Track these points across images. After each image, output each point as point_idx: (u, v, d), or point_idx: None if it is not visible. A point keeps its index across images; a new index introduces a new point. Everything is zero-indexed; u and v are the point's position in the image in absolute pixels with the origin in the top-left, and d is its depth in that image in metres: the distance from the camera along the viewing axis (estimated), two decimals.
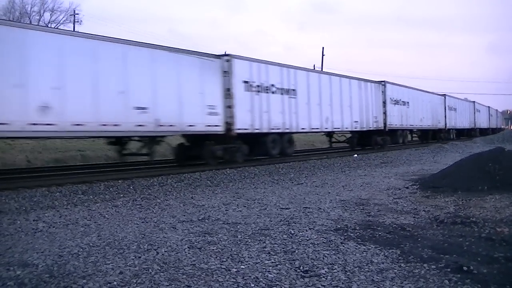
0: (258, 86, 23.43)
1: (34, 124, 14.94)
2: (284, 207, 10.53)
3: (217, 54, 22.00)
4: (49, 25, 53.80)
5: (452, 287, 5.45)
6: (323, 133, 32.12)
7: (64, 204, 11.51)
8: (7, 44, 14.53)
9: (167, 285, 5.51)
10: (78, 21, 57.63)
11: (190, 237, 7.80)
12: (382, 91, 35.14)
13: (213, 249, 7.01)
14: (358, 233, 7.98)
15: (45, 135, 18.05)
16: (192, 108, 20.04)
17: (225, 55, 22.18)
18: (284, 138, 25.60)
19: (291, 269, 6.06)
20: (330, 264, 6.26)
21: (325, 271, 5.95)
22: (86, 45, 16.70)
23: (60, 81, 15.62)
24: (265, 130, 23.81)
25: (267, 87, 23.99)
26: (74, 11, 58.50)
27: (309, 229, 8.30)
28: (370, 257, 6.59)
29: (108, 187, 14.36)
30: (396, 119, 36.93)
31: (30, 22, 52.64)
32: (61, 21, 58.92)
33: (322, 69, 59.15)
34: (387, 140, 36.03)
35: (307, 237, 7.72)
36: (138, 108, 17.88)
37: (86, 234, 8.11)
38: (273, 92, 24.39)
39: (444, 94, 49.15)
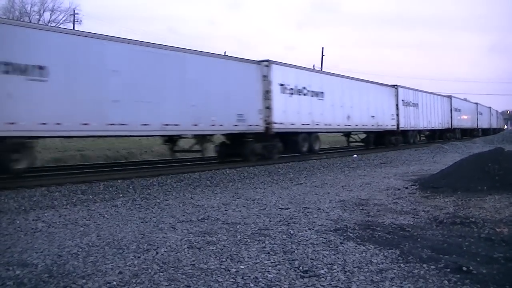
0: (407, 102, 40.19)
1: (346, 125, 31.29)
2: (283, 207, 10.53)
3: (392, 84, 39.12)
4: (49, 25, 53.73)
5: (451, 287, 5.45)
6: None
7: (64, 204, 11.51)
8: (335, 86, 30.00)
9: (167, 285, 5.51)
10: (78, 21, 57.67)
11: (190, 237, 7.80)
12: (450, 103, 51.35)
13: (212, 249, 7.01)
14: (357, 233, 7.98)
15: (345, 131, 34.44)
16: (387, 116, 36.85)
17: (395, 85, 39.00)
18: (415, 133, 43.58)
19: (290, 269, 6.06)
20: (330, 264, 6.26)
21: (325, 271, 5.95)
22: (357, 84, 33.43)
23: (352, 103, 31.55)
24: (412, 128, 41.42)
25: (410, 103, 40.75)
26: (74, 10, 58.54)
27: (309, 229, 8.30)
28: (369, 257, 6.59)
29: (108, 187, 14.36)
30: (457, 121, 53.41)
31: (30, 21, 52.57)
32: (61, 21, 58.93)
33: (321, 69, 59.13)
34: (451, 135, 51.54)
35: (307, 237, 7.72)
36: (372, 116, 34.27)
37: (85, 234, 8.11)
38: (412, 106, 41.02)
39: (477, 103, 66.07)
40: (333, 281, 5.63)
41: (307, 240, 7.51)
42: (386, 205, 10.76)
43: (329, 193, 12.72)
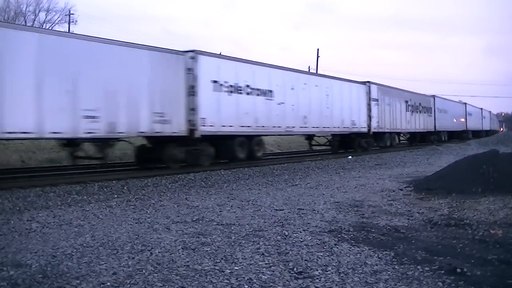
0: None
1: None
2: (278, 209, 10.53)
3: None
4: (44, 25, 53.68)
5: None
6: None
7: (58, 205, 11.48)
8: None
9: (161, 286, 5.51)
10: (73, 21, 57.50)
11: (184, 238, 7.79)
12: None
13: (207, 250, 7.01)
14: (352, 235, 7.99)
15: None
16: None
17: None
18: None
19: (284, 270, 6.06)
20: (324, 265, 6.26)
21: (319, 273, 5.95)
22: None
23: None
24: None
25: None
26: (69, 11, 58.36)
27: (303, 230, 8.30)
28: (364, 258, 6.59)
29: (102, 188, 14.33)
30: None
31: (25, 22, 52.47)
32: (56, 21, 58.75)
33: (317, 70, 59.18)
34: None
35: (301, 238, 7.72)
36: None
37: (79, 235, 8.09)
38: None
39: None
40: (327, 282, 5.63)
41: (301, 242, 7.51)
42: (380, 206, 10.78)
43: (323, 194, 12.73)
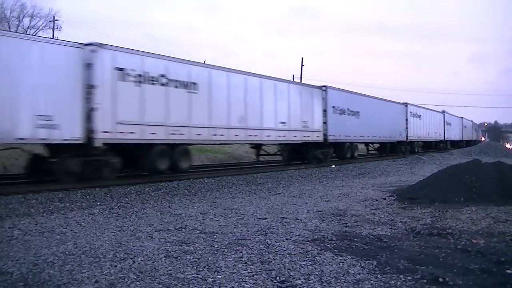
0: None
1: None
2: (261, 217, 10.53)
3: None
4: (28, 31, 53.34)
5: None
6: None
7: (40, 212, 11.39)
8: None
9: None
10: (57, 27, 57.22)
11: (167, 246, 7.76)
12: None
13: (189, 259, 6.99)
14: (335, 244, 8.00)
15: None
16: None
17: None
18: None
19: (267, 279, 6.05)
20: (307, 274, 6.26)
21: (302, 282, 5.95)
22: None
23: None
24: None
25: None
26: (54, 17, 58.07)
27: (286, 239, 8.31)
28: (346, 268, 6.61)
29: (85, 195, 14.25)
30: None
31: (9, 27, 52.11)
32: (41, 27, 58.43)
33: (301, 79, 59.34)
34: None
35: (284, 247, 7.72)
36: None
37: (62, 242, 8.03)
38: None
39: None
40: None
41: (284, 250, 7.51)
42: (363, 215, 10.81)
43: (307, 203, 12.75)
